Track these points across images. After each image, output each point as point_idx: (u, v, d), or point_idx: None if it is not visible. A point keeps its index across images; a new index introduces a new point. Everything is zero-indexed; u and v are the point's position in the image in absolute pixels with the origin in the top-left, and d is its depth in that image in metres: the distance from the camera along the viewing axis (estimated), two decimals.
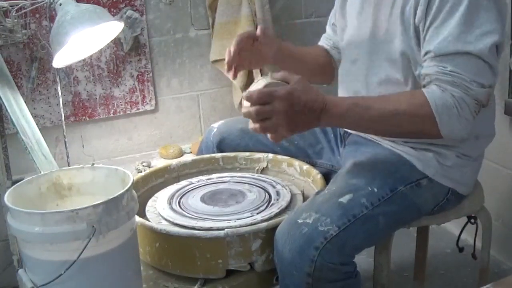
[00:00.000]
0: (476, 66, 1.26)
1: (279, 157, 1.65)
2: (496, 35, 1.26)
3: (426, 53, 1.30)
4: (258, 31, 1.52)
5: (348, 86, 1.55)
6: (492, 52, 1.27)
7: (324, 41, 1.73)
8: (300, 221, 1.26)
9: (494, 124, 1.50)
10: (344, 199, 1.30)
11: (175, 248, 1.31)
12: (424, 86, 1.31)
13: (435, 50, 1.28)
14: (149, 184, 1.61)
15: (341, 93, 1.59)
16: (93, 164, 1.33)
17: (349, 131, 1.56)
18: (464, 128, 1.28)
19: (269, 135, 1.26)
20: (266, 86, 1.23)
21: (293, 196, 1.50)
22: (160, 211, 1.45)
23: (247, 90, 1.26)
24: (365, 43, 1.45)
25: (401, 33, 1.35)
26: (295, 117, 1.22)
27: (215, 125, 1.72)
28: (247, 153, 1.67)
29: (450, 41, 1.26)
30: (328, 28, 1.73)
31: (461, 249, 1.59)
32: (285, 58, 1.59)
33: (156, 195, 1.56)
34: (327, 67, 1.70)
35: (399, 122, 1.28)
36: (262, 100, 1.20)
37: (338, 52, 1.66)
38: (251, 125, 1.25)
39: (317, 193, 1.38)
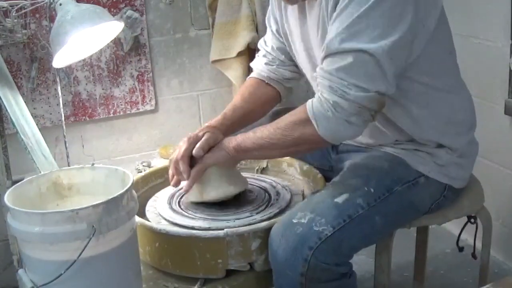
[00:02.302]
0: (364, 68, 1.19)
1: None
2: (396, 36, 1.18)
3: (322, 50, 1.25)
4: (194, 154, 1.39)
5: None
6: (390, 56, 1.19)
7: (265, 70, 1.59)
8: (295, 221, 1.26)
9: (475, 114, 1.48)
10: (340, 199, 1.29)
11: (175, 248, 1.31)
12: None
13: (327, 47, 1.22)
14: (149, 184, 1.61)
15: None
16: (93, 164, 1.33)
17: None
18: (351, 129, 1.24)
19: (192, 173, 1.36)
20: None
21: (293, 196, 1.50)
22: (160, 211, 1.45)
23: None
24: (312, 63, 1.43)
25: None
26: None
27: None
28: None
29: (344, 38, 1.20)
30: (268, 42, 1.60)
31: (461, 249, 1.59)
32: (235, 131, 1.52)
33: (156, 195, 1.56)
34: (274, 102, 1.63)
35: (285, 130, 1.29)
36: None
37: (282, 81, 1.59)
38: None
39: (313, 193, 1.38)
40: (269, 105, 1.62)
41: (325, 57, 1.24)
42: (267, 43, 1.61)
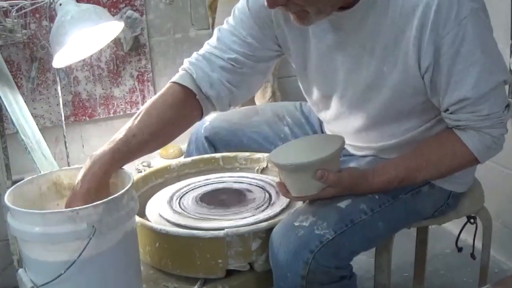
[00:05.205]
0: (504, 91, 1.29)
1: None
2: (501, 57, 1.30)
3: (459, 101, 1.25)
4: None
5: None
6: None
7: (204, 77, 1.40)
8: (296, 223, 1.26)
9: None
10: (343, 204, 1.29)
11: (175, 248, 1.31)
12: (456, 127, 1.30)
13: (472, 95, 1.24)
14: (149, 184, 1.61)
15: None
16: None
17: None
18: (500, 150, 1.34)
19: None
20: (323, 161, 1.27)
21: None
22: (160, 211, 1.44)
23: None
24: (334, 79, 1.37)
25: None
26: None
27: (208, 118, 1.65)
28: (247, 153, 1.67)
29: (485, 79, 1.24)
30: (228, 49, 1.39)
31: (460, 249, 1.59)
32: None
33: (156, 195, 1.56)
34: (189, 125, 1.46)
35: (446, 173, 1.36)
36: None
37: (213, 99, 1.41)
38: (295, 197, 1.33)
39: None
40: (182, 128, 1.42)
41: (471, 103, 1.25)
42: (226, 50, 1.39)
